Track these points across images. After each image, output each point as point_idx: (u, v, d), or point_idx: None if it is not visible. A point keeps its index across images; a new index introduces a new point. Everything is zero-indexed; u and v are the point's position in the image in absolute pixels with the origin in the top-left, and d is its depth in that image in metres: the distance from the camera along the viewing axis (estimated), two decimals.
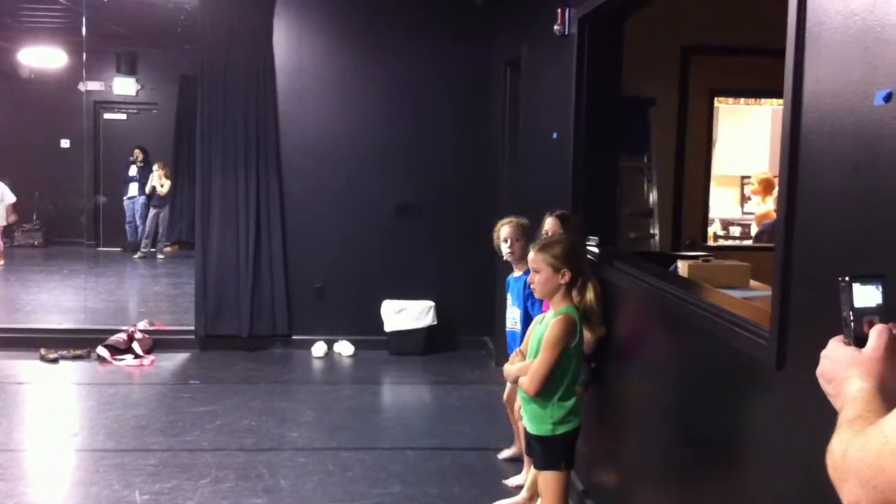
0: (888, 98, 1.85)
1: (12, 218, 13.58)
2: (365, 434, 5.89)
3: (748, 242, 7.64)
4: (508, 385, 4.72)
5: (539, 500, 3.97)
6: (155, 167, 13.96)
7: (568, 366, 3.56)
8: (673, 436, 3.46)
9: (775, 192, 7.28)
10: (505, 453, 5.28)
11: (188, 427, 5.88)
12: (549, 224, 4.37)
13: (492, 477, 4.99)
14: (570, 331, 3.52)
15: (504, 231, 4.66)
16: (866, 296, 1.22)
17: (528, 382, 3.52)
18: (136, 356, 7.64)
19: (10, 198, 13.32)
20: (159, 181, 13.83)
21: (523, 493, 4.58)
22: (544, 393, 3.52)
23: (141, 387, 7.14)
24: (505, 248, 4.74)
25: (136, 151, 14.46)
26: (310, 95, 8.09)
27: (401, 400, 7.26)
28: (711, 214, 7.28)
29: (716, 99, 7.02)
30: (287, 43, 8.05)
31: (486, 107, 8.02)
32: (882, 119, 1.91)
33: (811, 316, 2.18)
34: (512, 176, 7.02)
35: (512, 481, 4.85)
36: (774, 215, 7.55)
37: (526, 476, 4.61)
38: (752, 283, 4.30)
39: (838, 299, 1.25)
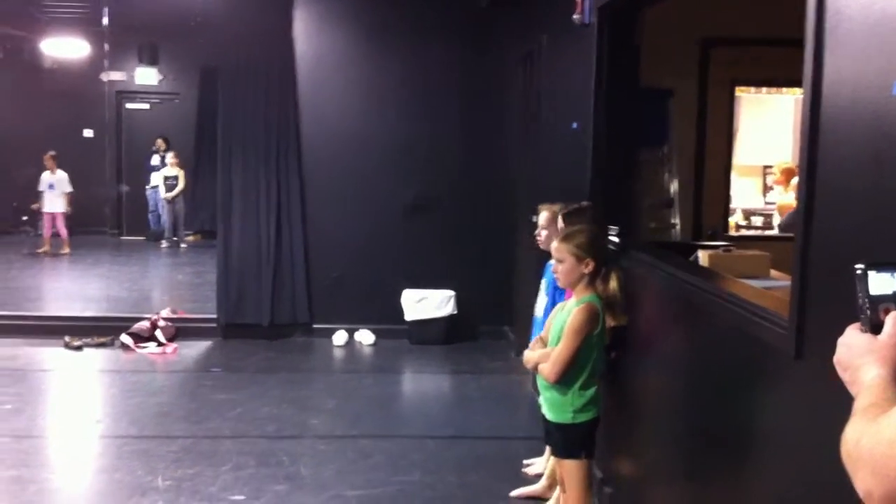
0: None
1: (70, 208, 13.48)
2: (385, 422, 5.93)
3: (770, 232, 7.61)
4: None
5: (557, 488, 3.99)
6: (168, 158, 14.05)
7: (589, 354, 3.58)
8: (690, 425, 3.46)
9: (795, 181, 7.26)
10: (523, 490, 4.71)
11: (210, 414, 5.94)
12: (543, 218, 4.36)
13: (510, 466, 5.01)
14: (592, 319, 3.54)
15: (541, 218, 4.57)
16: (882, 283, 1.22)
17: (548, 368, 3.54)
18: (159, 344, 7.71)
19: (67, 187, 13.33)
20: (171, 170, 13.94)
21: (542, 482, 4.59)
22: (565, 380, 3.54)
23: (164, 374, 7.21)
24: (542, 235, 4.63)
25: (159, 141, 14.57)
26: (329, 88, 8.13)
27: (421, 389, 7.29)
28: (733, 204, 7.25)
29: (737, 89, 6.97)
30: (307, 36, 8.08)
31: (504, 99, 8.01)
32: None
33: (830, 305, 2.18)
34: (531, 168, 7.02)
35: (531, 469, 4.86)
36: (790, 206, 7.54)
37: (545, 464, 4.62)
38: (773, 272, 4.29)
39: (855, 292, 1.24)
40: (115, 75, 14.88)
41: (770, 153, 8.31)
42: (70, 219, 13.37)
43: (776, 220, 7.68)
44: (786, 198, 7.80)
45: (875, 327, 1.21)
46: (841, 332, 1.29)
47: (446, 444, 5.48)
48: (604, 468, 4.50)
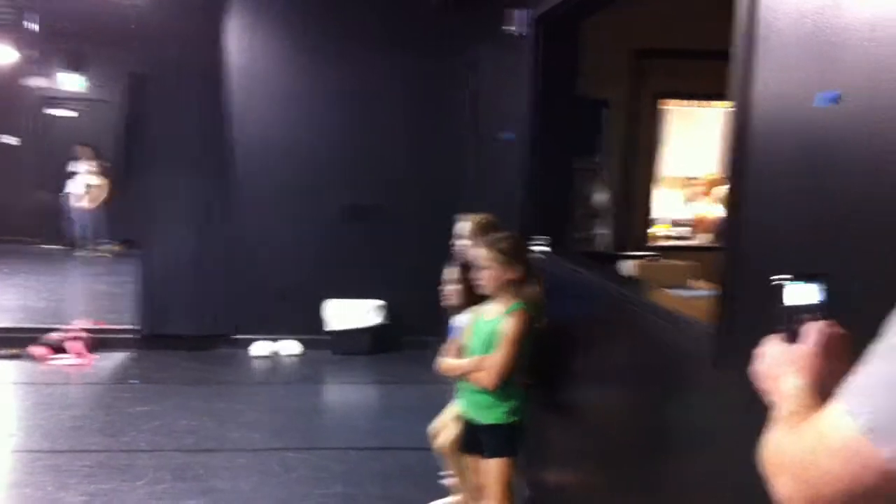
0: (836, 100, 1.84)
1: None
2: (307, 434, 5.82)
3: (696, 242, 7.68)
4: (444, 435, 4.33)
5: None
6: (87, 165, 13.76)
7: (523, 358, 3.63)
8: (613, 432, 3.47)
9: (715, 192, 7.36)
10: (443, 502, 4.66)
11: (126, 427, 5.76)
12: (466, 228, 4.33)
13: (433, 477, 4.93)
14: (528, 325, 3.59)
15: (463, 228, 4.50)
16: (802, 294, 1.24)
17: (487, 377, 3.57)
18: (76, 355, 7.48)
19: None
20: (93, 179, 13.64)
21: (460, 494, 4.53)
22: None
23: (79, 386, 6.99)
24: (459, 245, 4.59)
25: (81, 148, 14.23)
26: (262, 96, 8.00)
27: (345, 400, 7.19)
28: (659, 215, 7.32)
29: (664, 101, 7.05)
30: (238, 43, 7.94)
31: (442, 108, 7.96)
32: (825, 121, 1.92)
33: (752, 314, 2.19)
34: (474, 176, 7.00)
35: (449, 480, 4.77)
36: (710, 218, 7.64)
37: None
38: (699, 282, 4.32)
39: (775, 305, 1.26)
40: (40, 81, 14.54)
41: (696, 165, 8.42)
42: None
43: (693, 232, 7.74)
44: (705, 210, 7.90)
45: (794, 338, 1.23)
46: (761, 341, 1.30)
47: (370, 455, 5.40)
48: (526, 474, 4.47)
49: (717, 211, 7.78)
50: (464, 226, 4.40)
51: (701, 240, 7.48)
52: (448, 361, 3.78)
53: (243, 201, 8.00)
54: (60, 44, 13.42)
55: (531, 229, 4.65)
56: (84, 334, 7.72)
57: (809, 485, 1.01)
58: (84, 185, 13.78)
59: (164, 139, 7.84)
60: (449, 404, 4.48)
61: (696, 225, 7.74)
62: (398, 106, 8.07)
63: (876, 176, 1.76)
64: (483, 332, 3.66)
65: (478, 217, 4.41)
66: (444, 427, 4.47)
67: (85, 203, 13.73)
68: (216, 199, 7.93)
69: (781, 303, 1.24)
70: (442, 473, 4.82)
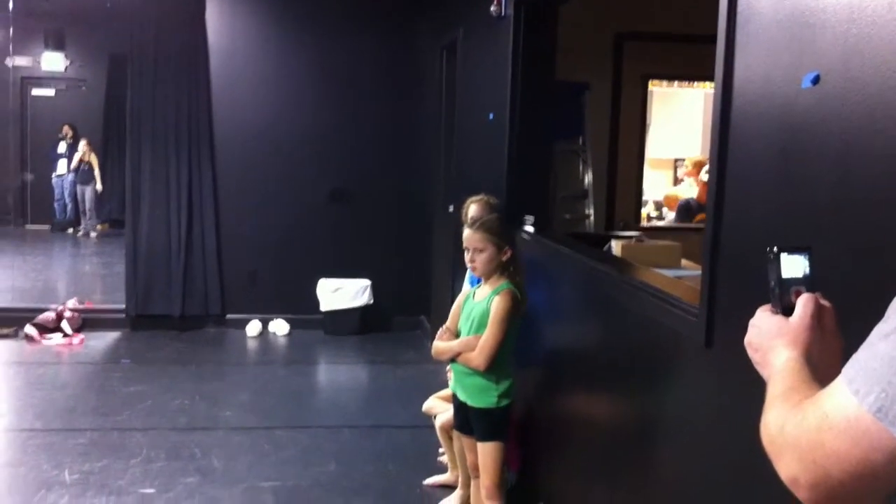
0: (815, 81, 1.89)
1: None
2: (300, 414, 5.88)
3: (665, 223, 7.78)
4: (444, 416, 4.41)
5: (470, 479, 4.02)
6: (81, 143, 13.71)
7: (512, 340, 3.66)
8: (603, 414, 3.52)
9: (701, 176, 7.45)
10: (436, 479, 4.75)
11: (118, 407, 5.81)
12: (475, 209, 4.36)
13: (426, 455, 5.02)
14: (516, 305, 3.61)
15: (472, 209, 4.50)
16: (793, 266, 1.24)
17: (477, 356, 3.58)
18: (65, 335, 7.51)
19: None
20: (85, 156, 13.59)
21: (451, 471, 4.62)
22: (491, 367, 3.59)
23: (70, 366, 7.03)
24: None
25: (65, 128, 14.18)
26: (243, 76, 8.00)
27: (336, 380, 7.25)
28: (645, 196, 7.39)
29: (650, 82, 7.11)
30: (220, 23, 7.93)
31: (422, 91, 8.00)
32: (807, 102, 1.95)
33: (739, 294, 2.23)
34: (448, 158, 7.03)
35: (446, 458, 4.84)
36: (680, 197, 7.75)
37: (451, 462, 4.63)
38: (685, 262, 4.39)
39: (765, 278, 1.26)
40: (21, 60, 14.42)
41: (680, 147, 8.49)
42: None
43: (666, 213, 7.84)
44: (673, 190, 8.00)
45: (786, 309, 1.23)
46: (751, 315, 1.31)
47: (362, 434, 5.47)
48: (521, 463, 4.52)
49: (687, 191, 7.88)
50: (466, 208, 4.45)
51: (670, 220, 7.58)
52: (439, 345, 3.81)
53: (228, 182, 8.01)
54: (41, 23, 13.32)
55: (513, 211, 4.68)
56: (74, 314, 7.75)
57: (817, 465, 1.00)
58: (78, 162, 13.74)
59: (146, 120, 7.83)
60: (442, 383, 4.56)
61: (666, 205, 7.85)
62: (379, 88, 8.08)
63: (853, 156, 1.79)
64: (474, 313, 3.70)
65: (478, 199, 4.45)
66: (439, 405, 4.55)
67: (72, 181, 13.66)
68: (200, 180, 7.94)
69: (772, 275, 1.24)
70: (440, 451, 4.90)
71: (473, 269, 3.71)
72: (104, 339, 7.67)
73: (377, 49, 8.07)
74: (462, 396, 3.76)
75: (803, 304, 1.22)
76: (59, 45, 13.72)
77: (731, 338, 2.21)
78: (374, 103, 8.08)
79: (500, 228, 3.69)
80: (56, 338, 7.49)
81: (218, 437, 5.32)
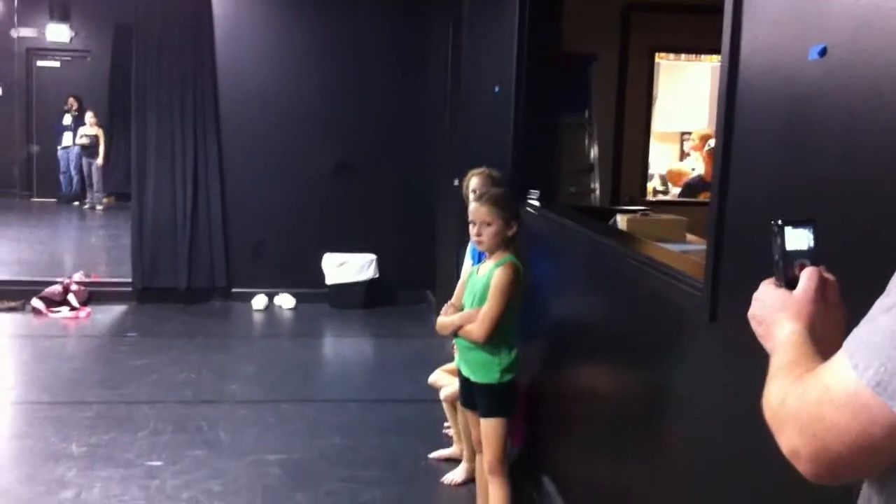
0: (822, 53, 1.88)
1: None
2: (305, 387, 5.91)
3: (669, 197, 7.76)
4: (449, 388, 4.41)
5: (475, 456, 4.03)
6: (88, 115, 13.69)
7: (514, 313, 3.61)
8: (608, 389, 3.52)
9: (706, 147, 7.42)
10: (441, 452, 4.78)
11: (125, 380, 5.84)
12: (476, 182, 4.34)
13: (430, 429, 5.03)
14: (517, 277, 3.57)
15: (473, 181, 4.43)
16: (798, 239, 1.24)
17: (478, 328, 3.55)
18: (72, 308, 7.54)
19: None
20: (90, 129, 13.57)
21: (456, 445, 4.63)
22: (493, 341, 3.57)
23: (77, 339, 7.07)
24: (472, 198, 4.57)
25: (70, 100, 14.16)
26: (248, 47, 7.98)
27: (341, 353, 7.28)
28: (651, 170, 7.37)
29: (657, 55, 7.06)
30: None
31: (428, 64, 7.98)
32: (814, 75, 1.94)
33: (744, 268, 2.22)
34: (453, 132, 7.01)
35: (451, 431, 4.85)
36: (684, 173, 7.72)
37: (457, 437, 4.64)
38: (690, 237, 4.37)
39: (770, 252, 1.26)
40: (26, 31, 14.39)
41: (687, 120, 8.45)
42: None
43: (668, 186, 7.81)
44: (678, 165, 7.97)
45: (790, 283, 1.23)
46: (755, 289, 1.30)
47: (367, 407, 5.49)
48: (525, 438, 4.53)
49: (692, 165, 7.85)
50: (467, 181, 4.41)
51: (674, 194, 7.55)
52: (442, 319, 3.78)
53: (233, 154, 8.01)
54: None
55: (519, 184, 4.66)
56: (80, 287, 7.77)
57: (817, 438, 1.01)
58: (83, 136, 13.72)
59: (151, 91, 7.82)
60: (448, 357, 4.57)
61: (670, 179, 7.82)
62: (385, 60, 8.07)
63: (859, 130, 1.78)
64: (477, 286, 3.68)
65: (487, 171, 4.42)
66: (444, 378, 4.56)
67: (78, 154, 13.67)
68: (206, 152, 7.94)
69: (776, 248, 1.24)
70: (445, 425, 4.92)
71: (479, 243, 3.67)
72: (110, 313, 7.70)
73: (383, 21, 8.04)
74: (465, 372, 3.75)
75: (807, 277, 1.21)
76: (64, 16, 13.71)
77: (735, 312, 2.20)
78: (379, 76, 8.06)
79: (509, 202, 3.66)
80: (63, 311, 7.52)
81: (224, 410, 5.35)
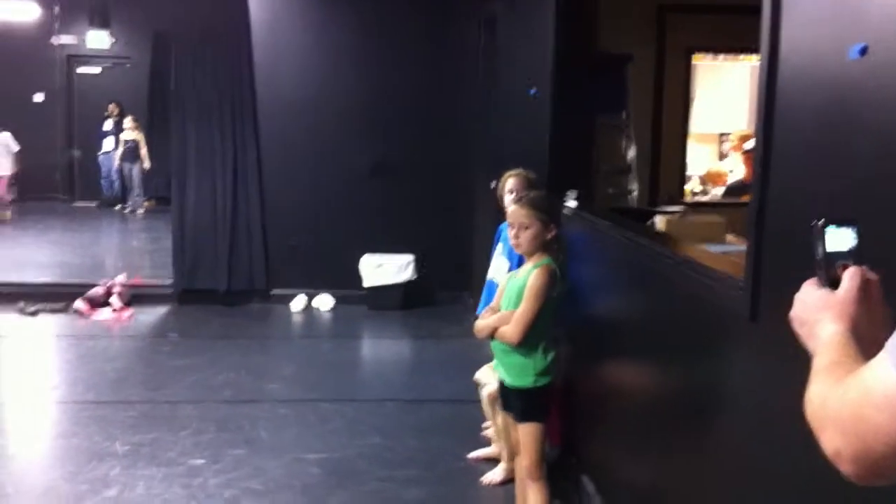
0: (863, 52, 1.87)
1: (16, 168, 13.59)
2: (344, 387, 5.95)
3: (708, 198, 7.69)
4: (491, 386, 4.37)
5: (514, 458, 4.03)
6: (127, 120, 13.84)
7: (549, 317, 3.60)
8: (647, 391, 3.52)
9: (744, 147, 7.36)
10: (480, 452, 4.78)
11: (167, 380, 5.92)
12: (513, 183, 4.34)
13: (469, 429, 5.04)
14: (553, 281, 3.55)
15: (510, 183, 4.41)
16: (840, 239, 1.22)
17: (511, 330, 3.54)
18: (114, 309, 7.65)
19: (15, 146, 13.27)
20: (130, 133, 13.72)
21: (495, 446, 4.64)
22: (528, 344, 3.56)
23: (119, 340, 7.17)
24: (508, 200, 4.57)
25: (111, 106, 14.34)
26: (285, 51, 8.05)
27: (380, 354, 7.32)
28: (689, 171, 7.33)
29: (693, 56, 7.03)
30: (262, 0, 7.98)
31: (463, 65, 8.00)
32: (854, 74, 1.93)
33: (784, 268, 2.21)
34: (489, 133, 7.02)
35: (489, 432, 4.87)
36: (723, 173, 7.66)
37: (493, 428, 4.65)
38: (729, 237, 4.36)
39: (811, 251, 1.25)
40: (66, 39, 14.61)
41: (725, 121, 8.39)
42: (17, 181, 13.12)
43: (706, 187, 7.74)
44: (716, 165, 7.91)
45: (832, 283, 1.21)
46: (795, 294, 1.29)
47: (406, 408, 5.52)
48: (564, 437, 4.54)
49: (734, 166, 7.79)
50: (503, 182, 4.41)
51: (713, 195, 7.49)
52: (478, 322, 3.78)
53: (271, 157, 8.08)
54: (85, 2, 13.48)
55: (556, 186, 4.67)
56: (122, 289, 7.88)
57: (858, 439, 1.00)
58: (123, 141, 13.88)
59: (190, 96, 7.92)
60: (486, 357, 4.56)
61: (709, 180, 7.77)
62: (421, 61, 8.11)
63: None
64: (513, 289, 3.66)
65: (524, 172, 4.42)
66: (487, 376, 4.54)
67: (137, 164, 13.82)
68: (244, 156, 8.02)
69: (818, 248, 1.22)
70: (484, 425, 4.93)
71: (517, 245, 3.66)
72: (152, 314, 7.80)
73: (419, 22, 8.08)
74: (501, 375, 3.76)
75: (850, 277, 1.20)
76: (103, 23, 13.87)
77: (776, 312, 2.20)
78: (416, 77, 8.09)
79: (547, 205, 3.64)
80: (105, 312, 7.63)
81: (265, 410, 5.41)
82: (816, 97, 2.11)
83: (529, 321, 3.51)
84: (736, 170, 7.73)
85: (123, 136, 13.85)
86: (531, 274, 3.57)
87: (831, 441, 1.04)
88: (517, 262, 4.13)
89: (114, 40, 14.28)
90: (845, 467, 1.04)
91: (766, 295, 2.34)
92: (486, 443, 4.81)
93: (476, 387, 4.68)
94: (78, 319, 7.52)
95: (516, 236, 3.62)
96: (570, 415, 4.42)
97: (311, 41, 8.09)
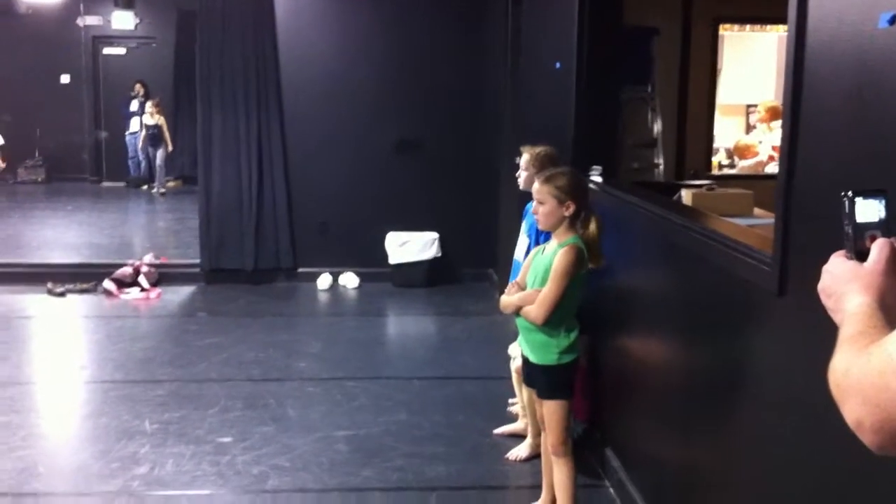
0: (893, 21, 1.83)
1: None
2: (370, 365, 5.96)
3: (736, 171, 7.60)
4: (519, 360, 4.31)
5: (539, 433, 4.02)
6: (149, 105, 13.84)
7: (575, 296, 3.58)
8: (677, 366, 3.50)
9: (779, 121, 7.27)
10: (506, 428, 4.79)
11: (195, 359, 5.95)
12: (524, 159, 4.30)
13: (495, 405, 5.05)
14: (579, 260, 3.52)
15: (522, 159, 4.40)
16: (868, 210, 1.21)
17: (536, 310, 3.53)
18: (142, 289, 7.70)
19: None
20: (152, 118, 13.71)
21: (521, 421, 4.63)
22: (551, 322, 3.55)
23: (147, 319, 7.22)
24: (523, 176, 4.42)
25: (137, 86, 14.39)
26: (309, 30, 8.03)
27: (405, 331, 7.33)
28: (716, 144, 7.26)
29: (721, 27, 6.94)
30: None
31: (487, 40, 7.94)
32: (885, 43, 1.89)
33: (812, 241, 2.19)
34: (515, 108, 6.98)
35: (515, 408, 4.86)
36: (751, 146, 7.56)
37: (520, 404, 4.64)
38: (757, 210, 4.31)
39: (839, 225, 1.24)
40: (91, 20, 14.66)
41: (753, 92, 8.30)
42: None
43: (734, 160, 7.66)
44: (744, 138, 7.81)
45: (860, 255, 1.21)
46: (824, 263, 1.28)
47: (432, 384, 5.52)
48: (589, 412, 4.53)
49: (759, 138, 7.70)
50: (524, 158, 4.38)
51: (741, 168, 7.41)
52: (504, 298, 3.77)
53: (296, 136, 8.08)
54: None
55: (581, 161, 4.63)
56: (150, 269, 7.93)
57: (881, 408, 0.99)
58: (144, 125, 13.88)
59: (215, 76, 7.92)
60: (512, 333, 4.55)
61: (736, 153, 7.68)
62: (445, 37, 8.06)
63: None
64: (539, 267, 3.64)
65: (537, 149, 4.37)
66: (516, 352, 4.51)
67: (161, 149, 13.78)
68: (269, 134, 8.02)
69: (846, 219, 1.22)
70: (511, 401, 4.93)
71: (538, 221, 3.67)
72: (180, 293, 7.85)
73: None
74: (525, 352, 3.75)
75: (878, 248, 1.19)
76: (128, 4, 13.90)
77: (804, 285, 2.17)
78: (440, 53, 8.05)
79: (566, 182, 3.60)
80: (133, 292, 7.68)
81: (292, 388, 5.43)
82: (845, 67, 2.08)
83: (554, 302, 3.49)
84: (765, 141, 7.64)
85: (145, 121, 13.85)
86: (557, 253, 3.54)
87: (853, 411, 1.04)
88: (535, 239, 4.12)
89: (138, 20, 14.31)
90: (867, 437, 1.03)
91: (795, 269, 2.31)
92: (512, 419, 4.81)
93: (509, 361, 4.65)
94: (106, 299, 7.58)
95: (535, 211, 3.62)
96: (595, 390, 4.41)
97: (336, 18, 8.06)
